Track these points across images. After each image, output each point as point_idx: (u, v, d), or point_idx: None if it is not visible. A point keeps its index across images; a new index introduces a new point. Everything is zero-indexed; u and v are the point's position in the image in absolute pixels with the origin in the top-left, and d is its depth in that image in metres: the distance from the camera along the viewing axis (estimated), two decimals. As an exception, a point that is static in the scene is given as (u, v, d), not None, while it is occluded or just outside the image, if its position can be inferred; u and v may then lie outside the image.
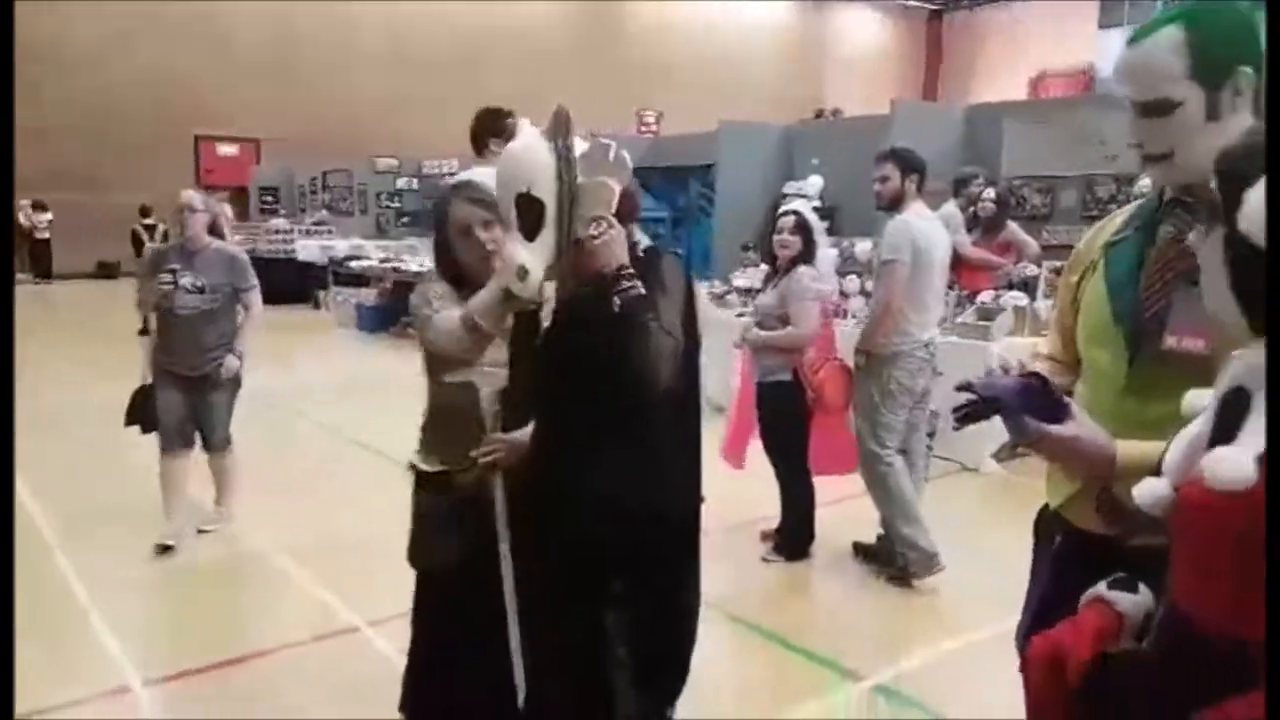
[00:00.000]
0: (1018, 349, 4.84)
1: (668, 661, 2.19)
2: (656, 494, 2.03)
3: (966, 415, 1.34)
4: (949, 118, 9.29)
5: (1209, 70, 1.44)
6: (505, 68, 18.20)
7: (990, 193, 6.35)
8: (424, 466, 2.40)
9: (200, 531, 4.43)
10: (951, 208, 6.43)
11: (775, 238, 4.19)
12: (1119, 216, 1.66)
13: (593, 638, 2.03)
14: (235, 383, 4.38)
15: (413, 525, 2.45)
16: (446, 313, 2.22)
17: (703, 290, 7.62)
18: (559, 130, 1.84)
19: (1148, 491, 1.14)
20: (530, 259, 1.85)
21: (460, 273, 2.33)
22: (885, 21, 22.52)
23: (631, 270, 1.83)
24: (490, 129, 3.63)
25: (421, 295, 2.32)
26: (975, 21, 22.07)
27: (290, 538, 4.44)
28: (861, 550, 4.30)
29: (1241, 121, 1.45)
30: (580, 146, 1.88)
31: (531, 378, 2.09)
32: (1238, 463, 1.03)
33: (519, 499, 2.21)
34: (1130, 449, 1.31)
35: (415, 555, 2.44)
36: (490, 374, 2.27)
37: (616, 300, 1.79)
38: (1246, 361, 1.10)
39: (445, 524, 2.35)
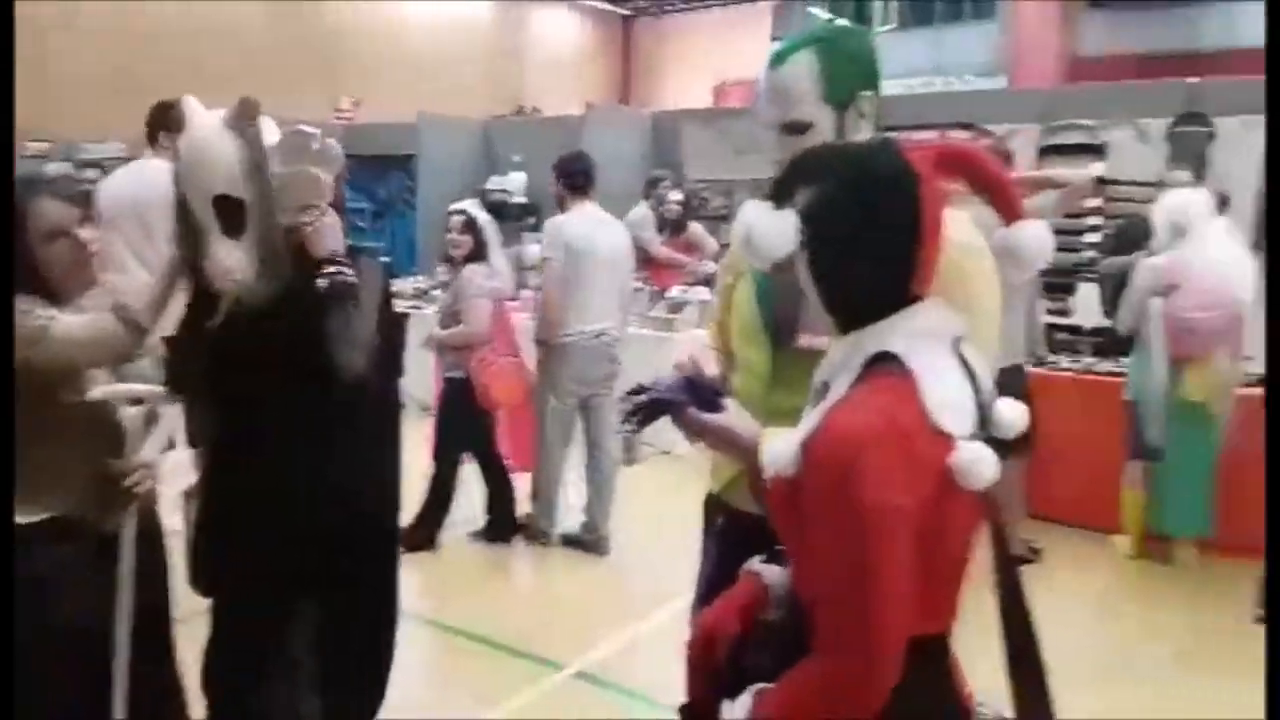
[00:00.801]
0: (703, 340, 5.22)
1: (364, 674, 2.13)
2: (357, 493, 1.99)
3: (641, 419, 1.41)
4: (639, 121, 9.72)
5: (837, 94, 1.60)
6: (188, 49, 16.51)
7: (676, 195, 6.80)
8: (30, 518, 1.88)
9: None
10: (643, 209, 6.80)
11: (446, 237, 4.24)
12: None
13: (278, 648, 1.94)
14: None
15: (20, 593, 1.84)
16: (77, 319, 1.89)
17: (408, 286, 7.44)
18: (244, 120, 1.76)
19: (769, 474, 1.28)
20: (238, 260, 1.77)
21: (46, 284, 1.90)
22: (583, 23, 23.11)
23: (344, 258, 1.80)
24: (161, 123, 3.49)
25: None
26: (663, 27, 23.20)
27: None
28: (569, 540, 4.43)
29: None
30: (273, 135, 1.80)
31: (212, 371, 1.93)
32: (781, 448, 1.18)
33: (208, 501, 2.04)
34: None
35: (41, 625, 1.87)
36: (120, 390, 2.00)
37: (323, 282, 1.75)
38: (830, 357, 1.26)
39: (83, 575, 1.93)
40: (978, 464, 1.11)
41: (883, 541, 1.08)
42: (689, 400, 1.37)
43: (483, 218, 4.32)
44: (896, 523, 1.08)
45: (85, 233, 1.93)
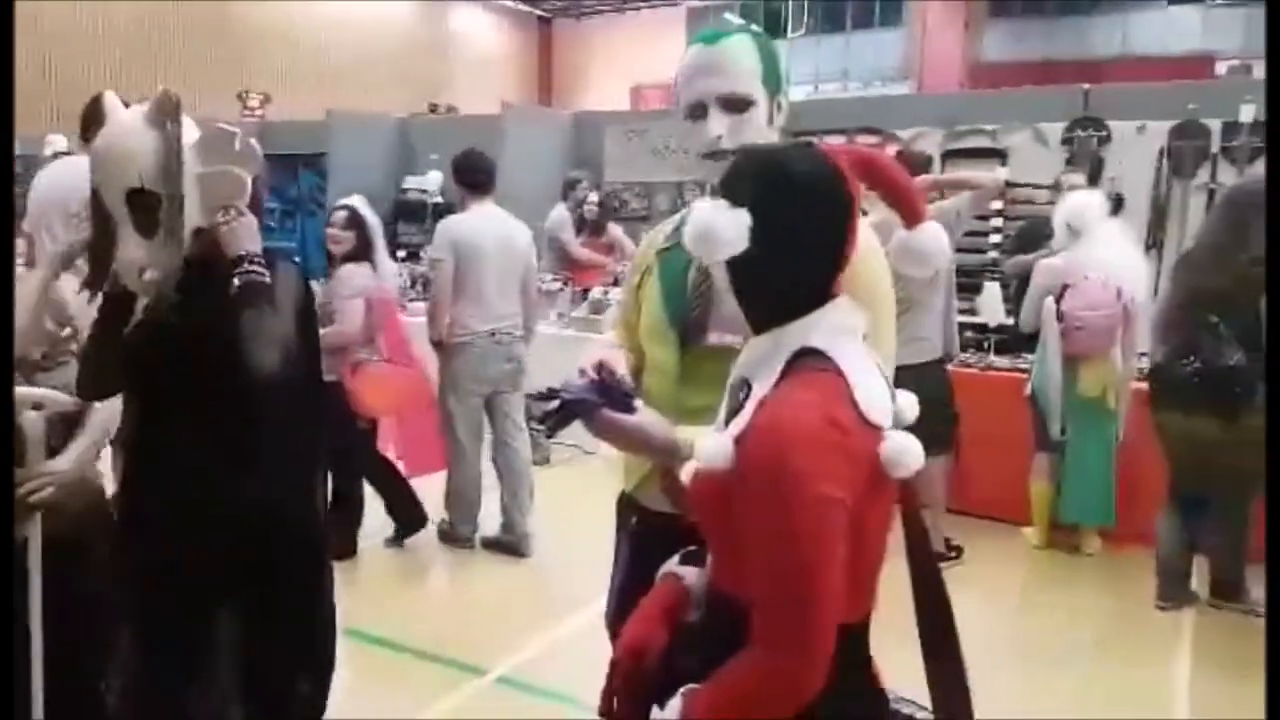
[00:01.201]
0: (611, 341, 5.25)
1: (296, 683, 2.09)
2: (276, 498, 1.96)
3: (553, 424, 1.39)
4: (558, 122, 9.68)
5: (772, 80, 1.62)
6: (93, 46, 15.77)
7: (594, 196, 6.84)
8: None
9: None
10: (561, 210, 6.81)
11: (327, 231, 4.12)
12: (670, 224, 1.81)
13: (197, 658, 1.90)
14: None
15: None
16: None
17: (317, 287, 7.27)
18: (166, 116, 1.73)
19: (688, 473, 1.29)
20: (147, 256, 1.74)
21: None
22: (500, 24, 22.91)
23: (260, 258, 1.77)
24: (94, 119, 3.37)
25: None
26: (582, 31, 23.17)
27: None
28: (490, 543, 4.40)
29: (773, 136, 1.65)
30: (193, 133, 1.78)
31: (129, 372, 1.89)
32: (716, 443, 1.19)
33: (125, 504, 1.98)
34: (690, 435, 1.43)
35: None
36: (21, 394, 1.95)
37: (236, 281, 1.73)
38: (748, 354, 1.28)
39: None
40: (905, 454, 1.15)
41: (822, 536, 1.09)
42: (599, 402, 1.37)
43: (369, 216, 4.18)
44: (836, 516, 1.10)
45: None
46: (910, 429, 1.22)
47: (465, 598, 4.10)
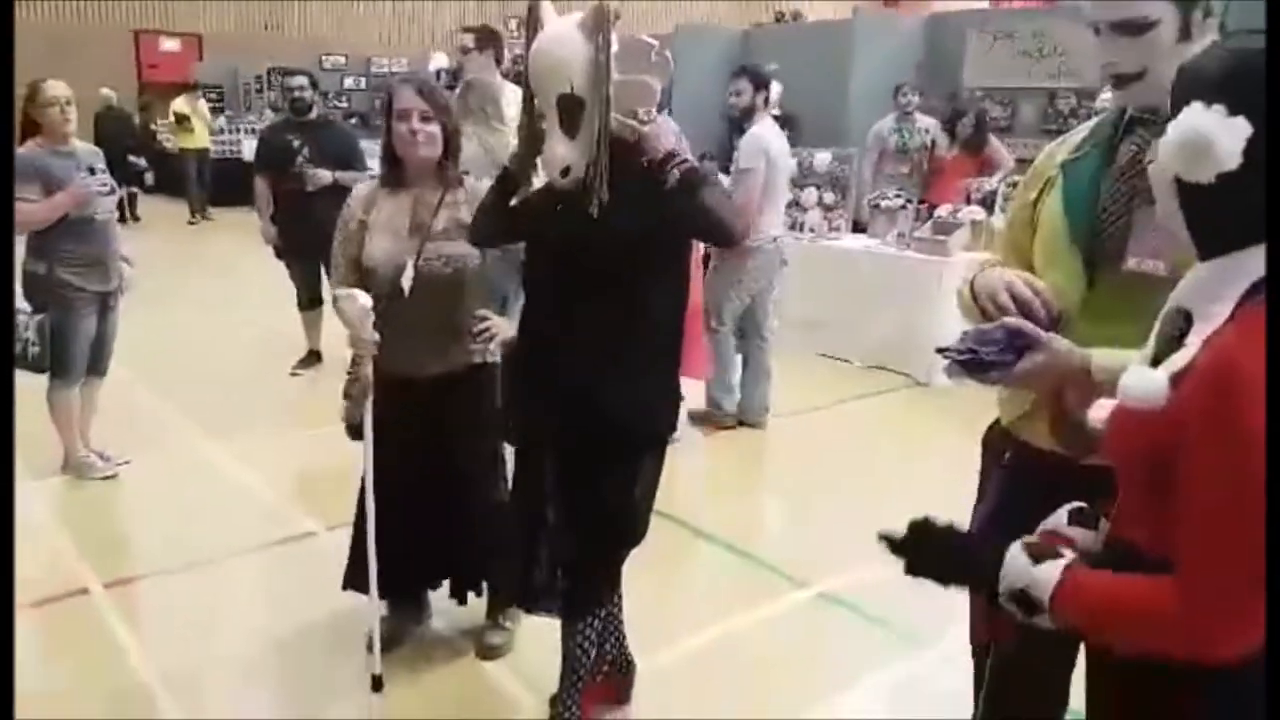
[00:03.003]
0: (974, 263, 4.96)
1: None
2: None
3: (962, 374, 1.33)
4: (910, 26, 9.12)
5: None
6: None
7: (969, 119, 6.62)
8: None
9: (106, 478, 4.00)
10: (880, 125, 6.71)
11: None
12: (1078, 134, 1.63)
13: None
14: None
15: None
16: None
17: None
18: (598, 27, 1.87)
19: (1100, 414, 1.15)
20: (571, 156, 1.91)
21: (390, 154, 2.48)
22: (850, -77, 21.85)
23: (681, 154, 1.93)
24: (533, 25, 3.98)
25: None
26: (941, -76, 21.46)
27: (244, 448, 4.41)
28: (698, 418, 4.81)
29: (1208, 42, 1.42)
30: (614, 44, 1.91)
31: (518, 237, 2.21)
32: (1150, 380, 1.05)
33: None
34: (1104, 358, 1.28)
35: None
36: (342, 292, 2.39)
37: (675, 173, 1.88)
38: (1190, 282, 1.10)
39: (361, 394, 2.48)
40: None
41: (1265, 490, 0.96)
42: (1011, 362, 1.29)
43: (674, 127, 4.33)
44: None
45: (421, 124, 2.38)
46: None
47: (788, 511, 4.15)
